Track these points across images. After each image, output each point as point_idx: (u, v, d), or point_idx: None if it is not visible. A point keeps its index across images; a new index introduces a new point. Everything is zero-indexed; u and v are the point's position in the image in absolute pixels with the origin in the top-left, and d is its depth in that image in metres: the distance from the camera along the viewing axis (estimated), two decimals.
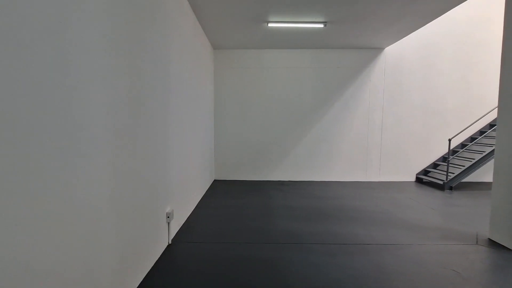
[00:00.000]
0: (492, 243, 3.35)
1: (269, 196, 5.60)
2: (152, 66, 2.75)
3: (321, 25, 5.20)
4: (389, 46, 6.95)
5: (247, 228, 3.82)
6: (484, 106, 6.94)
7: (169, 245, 3.25)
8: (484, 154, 6.13)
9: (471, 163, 6.18)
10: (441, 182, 6.27)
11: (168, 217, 3.19)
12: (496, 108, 3.69)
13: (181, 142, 3.80)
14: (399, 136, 7.14)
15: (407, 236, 3.58)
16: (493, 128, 6.67)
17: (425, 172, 7.14)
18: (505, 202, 3.26)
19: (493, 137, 6.33)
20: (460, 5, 5.78)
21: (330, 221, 4.11)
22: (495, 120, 6.70)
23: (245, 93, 7.09)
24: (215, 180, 7.09)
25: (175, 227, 3.60)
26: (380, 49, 7.01)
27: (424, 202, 5.19)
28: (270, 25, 5.19)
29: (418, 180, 7.11)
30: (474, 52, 6.92)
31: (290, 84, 7.07)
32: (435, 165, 7.10)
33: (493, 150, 5.01)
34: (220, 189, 6.15)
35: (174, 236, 3.51)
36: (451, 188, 6.19)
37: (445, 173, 6.39)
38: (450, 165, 6.50)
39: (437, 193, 5.95)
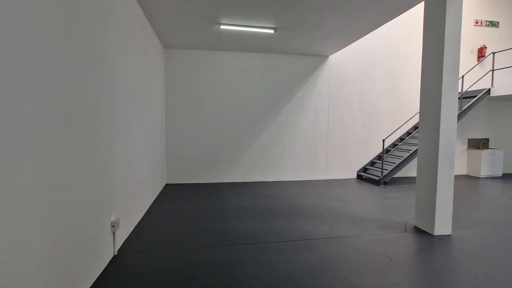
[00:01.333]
0: (417, 230, 3.88)
1: (223, 198, 5.59)
2: (91, 62, 2.53)
3: (272, 31, 5.40)
4: (333, 54, 7.54)
5: (200, 232, 3.76)
6: (410, 111, 8.01)
7: (114, 257, 3.02)
8: (411, 152, 7.06)
9: (400, 160, 7.05)
10: (377, 178, 7.02)
11: (113, 226, 2.96)
12: (418, 113, 4.29)
13: (126, 145, 3.56)
14: (343, 137, 7.78)
15: (349, 228, 3.93)
16: (416, 130, 7.72)
17: (364, 169, 7.92)
18: (426, 193, 3.81)
19: (417, 137, 7.33)
20: (391, 22, 6.55)
21: (281, 219, 4.28)
22: (418, 123, 7.77)
23: (198, 94, 6.96)
24: (167, 184, 6.79)
25: (121, 236, 3.35)
26: (325, 57, 7.56)
27: (363, 197, 5.76)
28: (222, 27, 5.19)
29: (359, 177, 7.85)
30: (401, 64, 7.93)
31: (243, 86, 7.16)
32: (372, 163, 7.91)
33: (417, 148, 5.81)
34: (172, 193, 5.92)
35: (121, 246, 3.27)
36: (385, 183, 6.98)
37: (380, 170, 7.18)
38: (384, 162, 7.32)
39: (374, 188, 6.65)
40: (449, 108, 3.59)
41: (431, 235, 3.67)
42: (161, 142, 6.28)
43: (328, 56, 7.56)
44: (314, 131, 7.63)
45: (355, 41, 6.24)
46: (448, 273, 2.74)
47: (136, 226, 3.94)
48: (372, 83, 7.84)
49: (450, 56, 3.53)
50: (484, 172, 8.12)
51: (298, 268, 2.81)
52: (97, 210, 2.62)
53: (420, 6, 7.28)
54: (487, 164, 8.13)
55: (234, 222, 4.15)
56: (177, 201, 5.30)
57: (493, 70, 7.80)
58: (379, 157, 7.83)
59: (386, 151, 7.85)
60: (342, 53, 7.57)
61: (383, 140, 7.17)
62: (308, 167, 7.64)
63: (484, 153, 8.09)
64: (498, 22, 8.57)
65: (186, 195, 5.76)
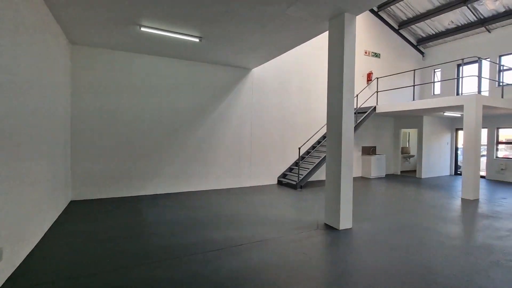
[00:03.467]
0: (327, 226, 4.47)
1: (143, 212, 5.16)
2: None
3: (197, 39, 5.41)
4: (256, 68, 8.04)
5: (113, 253, 3.38)
6: (320, 122, 9.20)
7: None
8: (320, 158, 8.09)
9: (313, 166, 7.99)
10: (294, 183, 7.75)
11: None
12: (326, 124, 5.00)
13: (9, 159, 2.94)
14: (264, 145, 8.30)
15: (271, 231, 4.22)
16: (325, 139, 8.91)
17: (284, 175, 8.62)
18: (333, 194, 4.44)
19: (325, 145, 8.47)
20: (304, 44, 7.40)
21: (206, 230, 4.25)
22: (326, 133, 9.00)
23: (114, 99, 6.29)
24: (72, 202, 5.82)
25: (7, 270, 2.71)
26: (248, 70, 7.98)
27: (282, 201, 6.26)
28: (143, 29, 4.90)
29: (279, 182, 8.49)
30: (312, 81, 9.07)
31: (165, 93, 6.85)
32: (290, 169, 8.69)
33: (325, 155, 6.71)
34: (78, 212, 5.10)
35: (4, 283, 2.64)
36: (301, 187, 7.77)
37: (296, 175, 7.96)
38: (300, 168, 8.15)
39: (292, 191, 7.31)
40: (348, 121, 4.32)
41: (337, 230, 4.29)
42: (65, 153, 5.37)
43: (251, 69, 8.01)
44: (239, 140, 7.90)
45: (275, 57, 6.84)
46: (350, 259, 3.26)
47: (28, 256, 3.24)
48: (289, 97, 8.68)
49: (347, 79, 4.28)
50: (373, 174, 9.96)
51: (223, 276, 2.85)
52: None
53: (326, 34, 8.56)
54: (375, 167, 10.01)
55: (154, 238, 3.89)
56: (85, 220, 4.61)
57: (377, 92, 9.77)
58: (296, 163, 8.67)
59: (302, 158, 8.77)
60: (264, 68, 8.15)
61: (299, 148, 8.00)
62: (232, 175, 7.81)
63: (373, 158, 9.94)
64: (380, 54, 10.81)
65: (97, 212, 5.07)
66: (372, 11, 10.65)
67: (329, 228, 4.38)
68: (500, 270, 3.07)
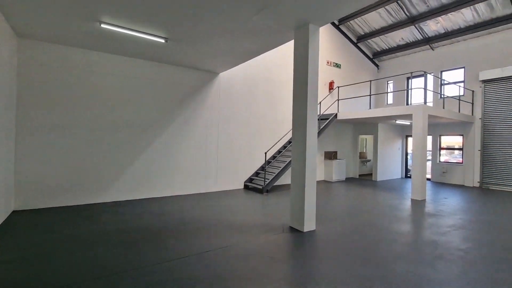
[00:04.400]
0: (292, 229, 4.59)
1: (100, 221, 4.80)
2: None
3: (163, 40, 5.25)
4: (223, 72, 8.04)
5: (61, 270, 3.09)
6: (286, 128, 9.46)
7: None
8: (286, 163, 8.30)
9: (279, 170, 8.17)
10: (260, 187, 7.84)
11: None
12: (291, 130, 5.17)
13: None
14: (231, 150, 8.29)
15: (237, 237, 4.21)
16: (290, 144, 9.18)
17: (250, 179, 8.67)
18: (297, 197, 4.59)
19: (290, 150, 8.72)
20: (272, 50, 7.58)
21: (170, 238, 4.10)
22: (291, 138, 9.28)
23: (68, 99, 5.80)
24: (14, 212, 5.19)
25: None
26: (215, 74, 7.95)
27: (249, 205, 6.29)
28: (103, 26, 4.63)
29: (246, 187, 8.51)
30: (279, 87, 9.32)
31: (127, 94, 6.51)
32: (257, 173, 8.78)
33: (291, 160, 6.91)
34: (23, 223, 4.58)
35: None
36: (267, 191, 7.88)
37: (263, 179, 8.06)
38: (266, 172, 8.28)
39: (258, 196, 7.38)
40: (312, 127, 4.52)
41: (302, 232, 4.43)
42: (7, 155, 4.80)
43: (218, 74, 7.99)
44: (205, 145, 7.78)
45: (243, 62, 6.91)
46: (313, 259, 3.38)
47: None
48: (256, 102, 8.81)
49: (311, 87, 4.48)
50: (335, 177, 10.49)
51: (187, 285, 2.77)
52: None
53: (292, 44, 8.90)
54: (337, 171, 10.56)
55: (111, 249, 3.64)
56: (30, 233, 4.15)
57: (338, 100, 10.37)
58: (263, 168, 8.78)
59: (268, 162, 8.91)
60: (231, 72, 8.18)
61: (265, 153, 8.13)
62: (199, 180, 7.65)
63: (334, 162, 10.48)
64: (340, 64, 11.51)
65: (45, 224, 4.60)
66: (334, 24, 11.33)
67: (294, 231, 4.50)
68: (443, 262, 3.42)
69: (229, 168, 8.24)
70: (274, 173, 8.19)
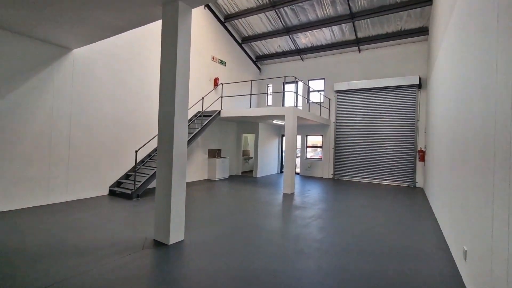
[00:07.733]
0: (156, 243, 3.86)
1: None
2: None
3: None
4: (79, 49, 6.29)
5: None
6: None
7: None
8: None
9: (153, 171, 7.15)
10: (130, 192, 6.62)
11: None
12: None
13: None
14: (91, 148, 6.64)
15: (90, 261, 3.15)
16: None
17: (118, 183, 7.25)
18: (163, 205, 3.90)
19: None
20: (149, 34, 6.42)
21: None
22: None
23: None
24: None
25: None
26: (67, 49, 6.11)
27: (109, 217, 5.08)
28: None
29: (111, 192, 7.04)
30: (156, 76, 8.17)
31: None
32: (127, 176, 7.42)
33: None
34: None
35: None
36: (138, 196, 6.75)
37: (133, 182, 6.86)
38: (137, 174, 7.10)
39: (125, 203, 6.18)
40: (181, 121, 3.93)
41: (167, 246, 3.78)
42: None
43: (71, 49, 6.18)
44: (49, 141, 5.87)
45: (102, 39, 5.55)
46: (180, 278, 2.82)
47: None
48: (127, 92, 7.42)
49: (181, 74, 3.88)
50: (218, 175, 10.34)
51: None
52: None
53: None
54: (220, 169, 10.44)
55: None
56: None
57: (222, 97, 10.24)
58: (134, 169, 7.51)
59: (142, 162, 7.71)
60: (91, 51, 6.51)
61: (136, 152, 6.93)
62: (38, 189, 5.68)
63: (218, 160, 10.31)
64: (226, 62, 11.45)
65: None
66: (220, 21, 11.11)
67: (158, 245, 3.80)
68: (303, 257, 3.58)
69: (87, 170, 6.57)
70: (148, 174, 7.12)
